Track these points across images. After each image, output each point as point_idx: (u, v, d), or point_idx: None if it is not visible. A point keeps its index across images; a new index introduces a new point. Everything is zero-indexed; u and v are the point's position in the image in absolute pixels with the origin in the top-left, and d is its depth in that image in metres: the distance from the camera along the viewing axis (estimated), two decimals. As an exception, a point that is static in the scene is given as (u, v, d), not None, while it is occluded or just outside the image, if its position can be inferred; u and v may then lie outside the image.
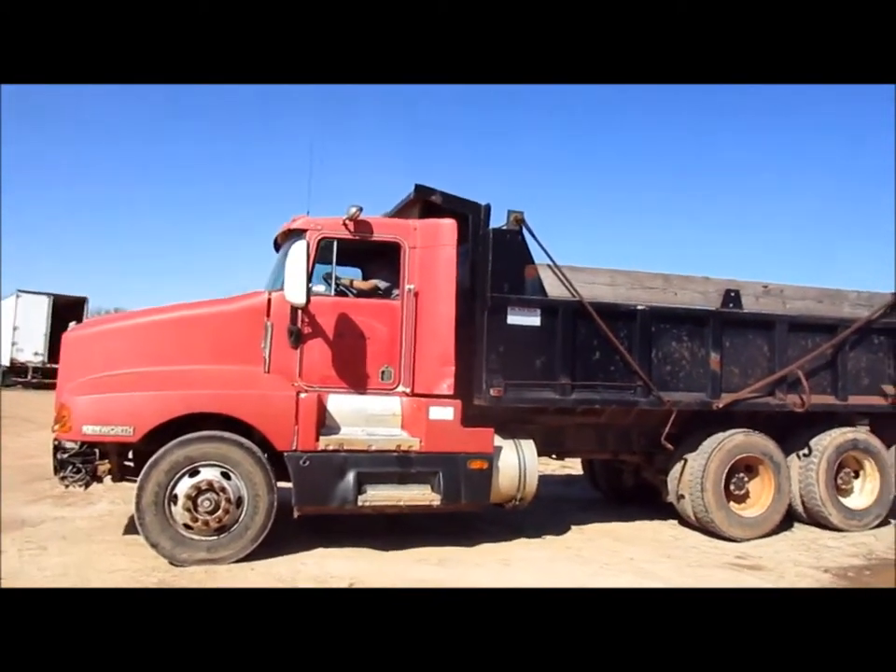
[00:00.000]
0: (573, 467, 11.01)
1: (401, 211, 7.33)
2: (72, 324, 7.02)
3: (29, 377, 27.27)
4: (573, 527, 7.60)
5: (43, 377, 27.59)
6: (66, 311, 28.14)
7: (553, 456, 7.98)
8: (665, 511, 8.20)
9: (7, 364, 27.07)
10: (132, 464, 6.26)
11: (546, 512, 8.04)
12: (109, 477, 6.13)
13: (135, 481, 6.07)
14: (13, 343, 26.95)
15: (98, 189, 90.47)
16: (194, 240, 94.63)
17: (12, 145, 66.49)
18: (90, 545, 6.12)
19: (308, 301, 5.93)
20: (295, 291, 5.85)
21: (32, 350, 27.27)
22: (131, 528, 6.64)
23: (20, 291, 27.31)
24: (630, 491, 9.05)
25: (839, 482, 7.81)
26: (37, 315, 27.31)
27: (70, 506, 7.68)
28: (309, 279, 5.99)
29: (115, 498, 8.08)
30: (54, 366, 27.04)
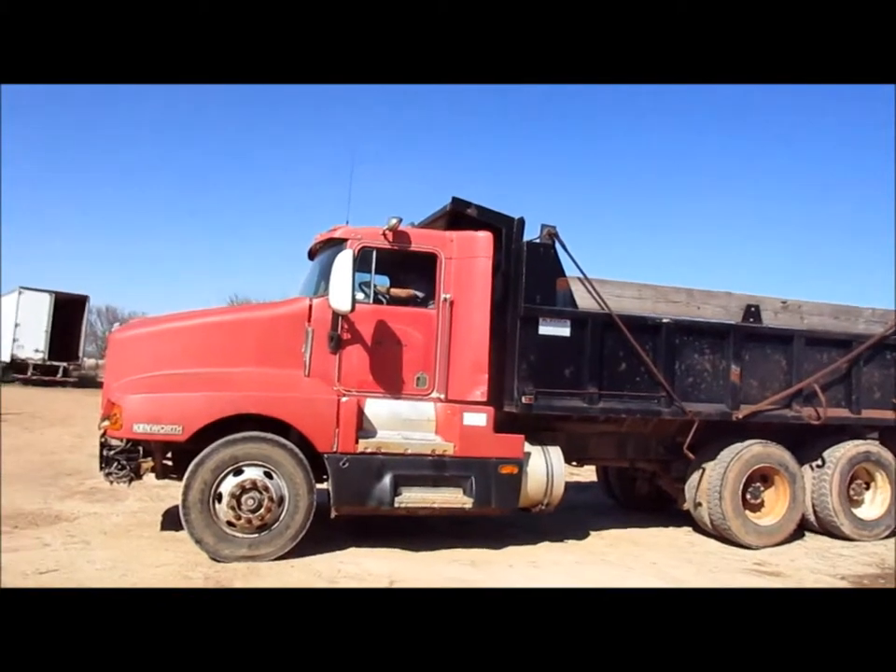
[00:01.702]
0: (581, 474, 11.22)
1: (431, 222, 7.52)
2: (116, 325, 7.18)
3: (29, 374, 27.28)
4: (592, 533, 7.81)
5: (42, 374, 27.68)
6: (67, 308, 28.33)
7: (574, 463, 8.17)
8: (677, 517, 8.43)
9: (8, 360, 27.13)
10: (170, 462, 6.43)
11: (564, 518, 8.24)
12: (153, 475, 6.28)
13: (177, 479, 6.28)
14: (14, 340, 27.06)
15: (101, 188, 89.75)
16: (194, 244, 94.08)
17: (14, 139, 66.23)
18: (131, 540, 6.27)
19: (353, 308, 6.11)
20: (341, 299, 6.04)
21: (32, 347, 27.37)
22: (167, 525, 6.82)
23: (21, 288, 27.43)
24: (643, 498, 9.30)
25: (851, 492, 8.04)
26: (39, 311, 27.43)
27: (101, 502, 7.83)
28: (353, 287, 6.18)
29: (141, 496, 8.25)
30: (54, 363, 27.63)
